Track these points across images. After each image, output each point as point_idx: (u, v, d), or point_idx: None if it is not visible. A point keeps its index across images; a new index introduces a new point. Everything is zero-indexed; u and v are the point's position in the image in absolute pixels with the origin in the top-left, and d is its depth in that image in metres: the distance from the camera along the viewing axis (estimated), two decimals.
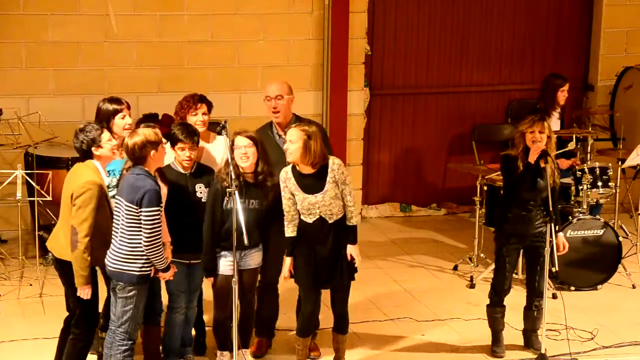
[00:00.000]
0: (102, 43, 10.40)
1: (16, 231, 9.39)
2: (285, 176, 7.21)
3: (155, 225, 6.58)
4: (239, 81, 10.81)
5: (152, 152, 6.65)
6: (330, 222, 7.21)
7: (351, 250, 7.26)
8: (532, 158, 7.66)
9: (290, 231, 7.27)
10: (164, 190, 7.02)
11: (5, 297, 8.87)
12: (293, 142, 7.07)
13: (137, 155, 6.65)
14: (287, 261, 7.31)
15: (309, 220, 7.21)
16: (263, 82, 10.66)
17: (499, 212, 7.93)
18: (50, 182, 8.87)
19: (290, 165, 7.21)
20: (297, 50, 10.93)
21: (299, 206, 7.21)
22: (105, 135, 6.81)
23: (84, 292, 6.76)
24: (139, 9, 10.44)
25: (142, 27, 10.47)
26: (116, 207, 6.69)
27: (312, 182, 7.15)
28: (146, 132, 6.68)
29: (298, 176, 7.18)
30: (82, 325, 6.94)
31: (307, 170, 7.15)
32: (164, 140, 6.90)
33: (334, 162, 7.18)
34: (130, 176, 6.67)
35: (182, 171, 7.31)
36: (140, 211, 6.56)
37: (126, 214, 6.60)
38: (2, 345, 7.91)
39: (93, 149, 6.76)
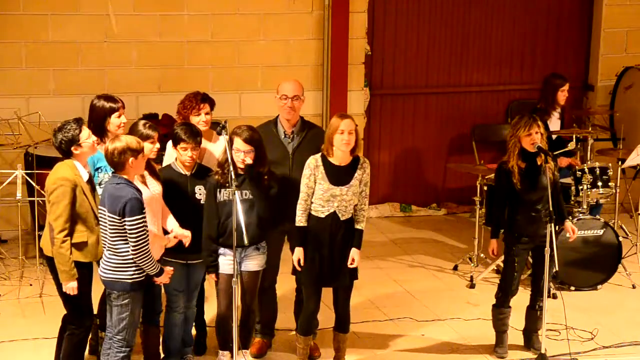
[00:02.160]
0: (102, 43, 10.40)
1: (16, 231, 9.39)
2: (315, 163, 7.20)
3: (140, 233, 6.52)
4: (239, 81, 10.81)
5: (131, 159, 6.54)
6: (342, 219, 7.22)
7: (354, 254, 7.27)
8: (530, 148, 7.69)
9: (303, 220, 7.23)
10: (158, 188, 7.00)
11: (5, 297, 8.87)
12: (352, 133, 7.12)
13: (116, 161, 6.54)
14: (298, 251, 7.26)
15: (321, 214, 7.21)
16: (263, 82, 10.68)
17: (499, 212, 7.91)
18: None
19: (319, 154, 7.22)
20: (297, 50, 10.93)
21: (319, 196, 7.19)
22: (84, 133, 6.74)
23: (69, 288, 6.73)
24: (139, 9, 10.44)
25: (142, 27, 10.47)
26: (101, 216, 6.65)
27: (341, 174, 7.19)
28: (128, 139, 6.58)
29: (328, 165, 7.19)
30: (75, 320, 6.93)
31: (341, 161, 7.18)
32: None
33: (365, 160, 7.28)
34: (109, 186, 6.59)
35: (183, 172, 7.29)
36: (124, 221, 6.49)
37: (110, 224, 6.55)
38: (2, 345, 7.91)
39: (72, 148, 6.72)
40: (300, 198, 7.23)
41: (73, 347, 6.97)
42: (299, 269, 7.29)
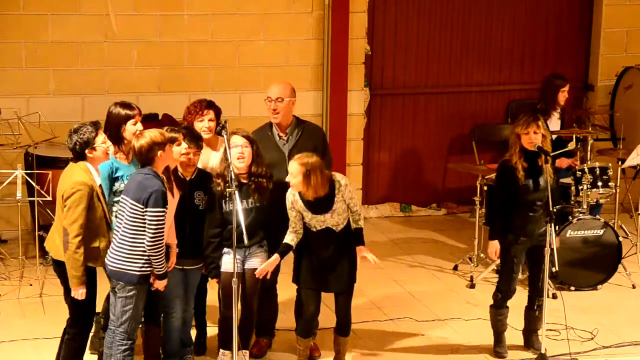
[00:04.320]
0: (102, 43, 10.40)
1: (16, 231, 9.39)
2: (293, 198, 7.19)
3: (159, 226, 6.57)
4: (239, 81, 10.81)
5: (160, 152, 6.65)
6: (337, 231, 7.25)
7: (363, 251, 7.29)
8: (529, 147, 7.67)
9: (289, 239, 7.25)
10: (176, 197, 7.01)
11: (5, 297, 8.87)
12: (294, 175, 7.05)
13: (145, 157, 6.65)
14: (274, 258, 7.23)
15: (314, 230, 7.23)
16: (263, 82, 10.66)
17: (496, 213, 7.89)
18: (50, 182, 8.86)
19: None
20: (297, 50, 10.93)
21: (307, 221, 7.22)
22: (100, 137, 6.75)
23: (78, 293, 6.73)
24: (139, 9, 10.44)
25: (142, 27, 10.47)
26: (121, 205, 6.68)
27: (320, 203, 7.15)
28: (152, 134, 6.67)
29: (304, 199, 7.17)
30: (77, 326, 6.92)
31: (315, 196, 7.13)
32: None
33: (339, 182, 7.17)
34: (138, 175, 6.67)
35: (182, 176, 7.28)
36: (146, 211, 6.55)
37: (130, 212, 6.59)
38: (2, 345, 7.90)
39: (86, 151, 6.73)
40: (289, 223, 7.24)
41: (73, 351, 6.97)
42: (259, 275, 7.23)
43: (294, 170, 7.07)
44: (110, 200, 7.09)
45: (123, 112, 7.21)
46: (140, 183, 6.60)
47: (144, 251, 6.61)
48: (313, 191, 7.08)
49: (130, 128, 7.19)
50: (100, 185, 6.84)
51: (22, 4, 10.15)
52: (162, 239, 6.63)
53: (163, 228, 6.61)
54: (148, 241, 6.58)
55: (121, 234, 6.65)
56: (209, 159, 7.56)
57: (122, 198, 6.68)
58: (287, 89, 7.71)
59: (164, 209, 6.59)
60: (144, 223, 6.58)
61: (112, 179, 7.14)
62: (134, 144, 6.68)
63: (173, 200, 6.92)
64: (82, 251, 6.65)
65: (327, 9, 10.85)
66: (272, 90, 7.70)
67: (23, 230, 9.50)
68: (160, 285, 6.84)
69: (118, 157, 7.19)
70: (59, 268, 6.85)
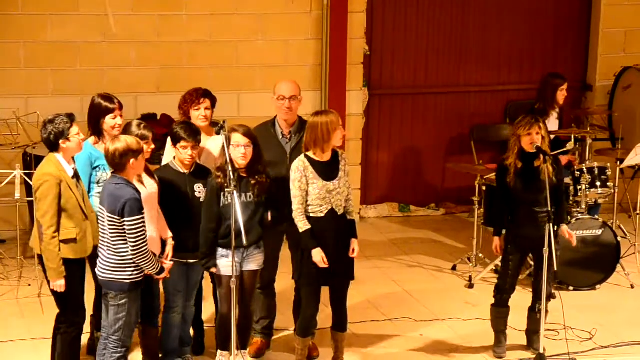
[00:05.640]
0: (101, 43, 10.40)
1: (15, 231, 9.40)
2: (303, 165, 7.20)
3: (139, 233, 6.53)
4: (238, 81, 10.81)
5: (132, 160, 6.56)
6: (339, 214, 7.26)
7: (355, 244, 7.31)
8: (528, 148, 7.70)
9: (308, 223, 7.22)
10: (154, 186, 6.99)
11: (3, 297, 8.87)
12: (338, 127, 7.20)
13: (117, 162, 6.56)
14: (318, 253, 7.16)
15: (320, 214, 7.21)
16: (262, 82, 10.68)
17: (498, 212, 7.92)
18: None
19: (302, 155, 7.23)
20: (296, 51, 10.93)
21: (315, 196, 7.19)
22: (74, 129, 6.74)
23: (56, 285, 6.71)
24: (138, 9, 10.44)
25: (141, 27, 10.47)
26: (100, 216, 6.65)
27: (328, 169, 7.23)
28: (129, 140, 6.60)
29: (316, 164, 7.21)
30: (66, 319, 6.91)
31: (324, 157, 7.21)
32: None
33: (339, 151, 7.35)
34: (110, 185, 6.61)
35: (182, 170, 7.29)
36: (123, 221, 6.51)
37: (109, 224, 6.56)
38: (1, 346, 7.91)
39: (60, 142, 6.70)
40: (297, 203, 7.19)
41: (67, 346, 6.96)
42: (326, 265, 7.18)
43: (337, 120, 7.19)
44: (92, 190, 7.09)
45: (103, 104, 7.28)
46: (113, 194, 6.53)
47: (131, 259, 6.60)
48: (332, 146, 7.22)
49: (109, 122, 7.26)
50: (73, 177, 6.77)
51: (20, 4, 10.16)
52: (145, 245, 6.58)
53: (144, 234, 6.56)
54: (131, 250, 6.55)
55: (106, 245, 6.63)
56: (204, 145, 7.57)
57: (99, 208, 6.65)
58: (297, 86, 7.76)
59: (141, 216, 6.54)
60: (124, 233, 6.55)
61: (92, 169, 7.15)
62: (108, 147, 6.59)
63: (154, 187, 6.89)
64: (57, 242, 6.64)
65: (326, 9, 10.85)
66: (283, 88, 7.68)
67: (21, 231, 9.49)
68: (162, 276, 6.85)
69: (98, 147, 7.21)
70: (42, 261, 6.85)
